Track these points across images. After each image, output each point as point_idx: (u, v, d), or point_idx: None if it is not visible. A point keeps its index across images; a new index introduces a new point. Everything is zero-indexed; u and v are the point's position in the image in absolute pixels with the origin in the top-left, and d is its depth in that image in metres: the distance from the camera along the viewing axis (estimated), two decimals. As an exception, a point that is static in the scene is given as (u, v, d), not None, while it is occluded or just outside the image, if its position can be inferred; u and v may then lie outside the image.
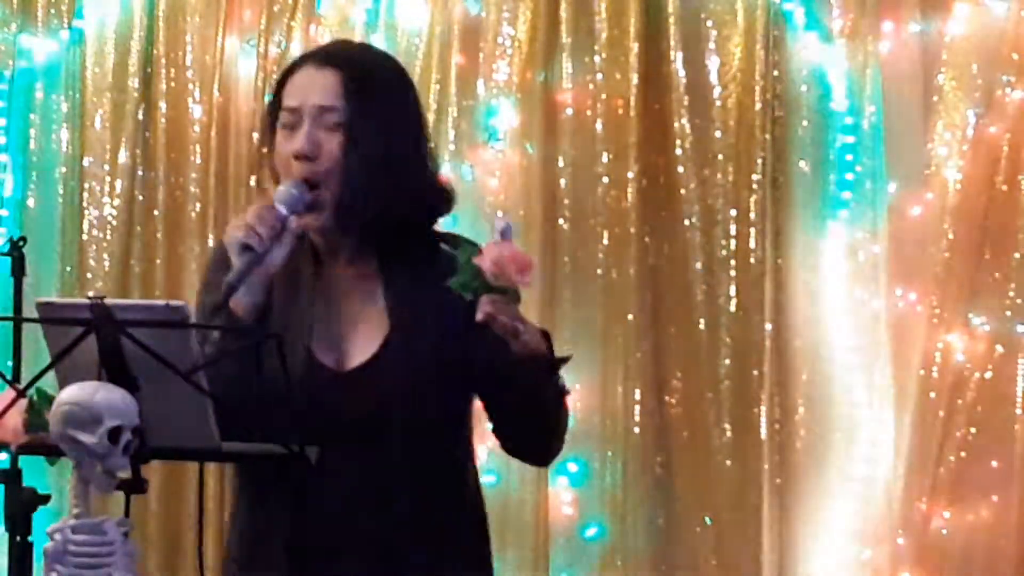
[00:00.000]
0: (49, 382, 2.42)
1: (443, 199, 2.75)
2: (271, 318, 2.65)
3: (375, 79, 2.69)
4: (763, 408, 4.54)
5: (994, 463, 4.40)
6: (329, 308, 2.70)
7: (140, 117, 4.99)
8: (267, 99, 2.85)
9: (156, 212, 4.97)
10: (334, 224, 2.66)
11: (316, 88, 2.66)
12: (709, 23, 4.64)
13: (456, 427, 2.73)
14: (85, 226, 4.99)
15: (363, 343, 2.67)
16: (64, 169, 5.02)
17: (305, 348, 2.63)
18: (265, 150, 2.75)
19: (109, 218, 4.99)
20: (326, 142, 2.64)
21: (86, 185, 5.00)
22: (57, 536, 2.32)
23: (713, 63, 4.64)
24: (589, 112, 4.69)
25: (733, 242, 4.59)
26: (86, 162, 5.01)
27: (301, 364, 2.60)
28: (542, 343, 2.55)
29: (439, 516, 2.69)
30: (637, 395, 4.61)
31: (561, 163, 4.72)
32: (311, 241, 2.70)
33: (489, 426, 2.74)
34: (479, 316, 2.45)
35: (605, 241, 4.66)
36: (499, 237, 2.49)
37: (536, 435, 2.72)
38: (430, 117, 4.73)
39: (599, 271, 4.66)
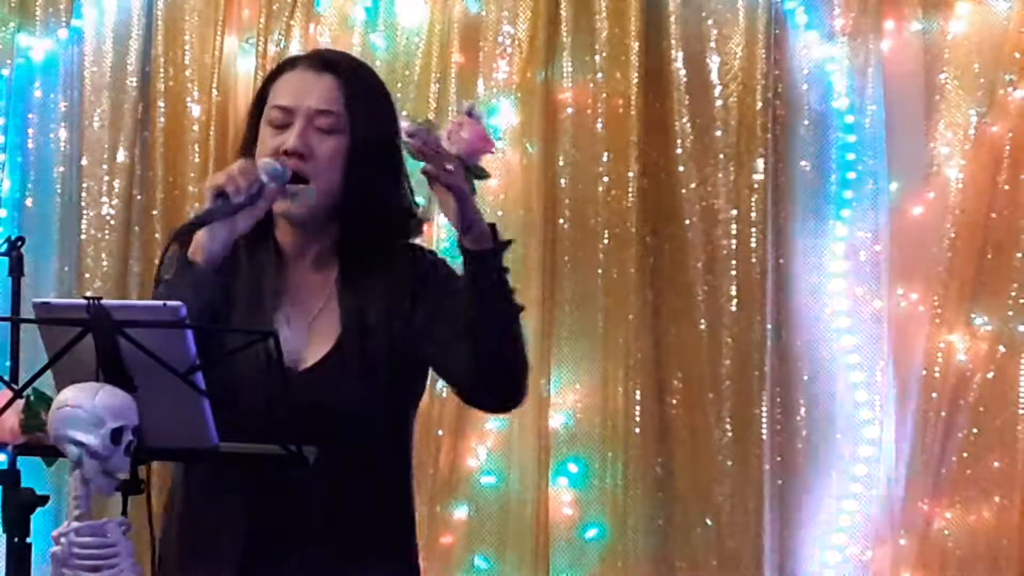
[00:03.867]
0: (47, 383, 2.42)
1: (413, 223, 2.81)
2: (233, 316, 2.69)
3: (371, 93, 2.75)
4: (764, 408, 4.54)
5: (996, 463, 4.40)
6: (290, 309, 2.74)
7: (139, 116, 4.97)
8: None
9: (154, 212, 4.95)
10: (316, 220, 2.71)
11: (314, 91, 2.70)
12: (710, 22, 4.64)
13: (401, 429, 2.77)
14: (83, 225, 4.97)
15: (317, 344, 2.72)
16: (62, 168, 5.00)
17: (264, 348, 2.64)
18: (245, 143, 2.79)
19: (107, 217, 4.97)
20: (317, 144, 2.68)
21: (84, 184, 4.99)
22: (63, 540, 2.32)
23: (714, 62, 4.64)
24: (589, 111, 4.68)
25: (734, 242, 4.58)
26: (84, 161, 4.99)
27: (261, 363, 2.61)
28: (481, 220, 2.60)
29: (385, 513, 2.74)
30: (637, 395, 4.60)
31: (561, 162, 4.71)
32: (277, 243, 2.75)
33: (450, 389, 2.79)
34: (423, 169, 2.53)
35: (605, 241, 4.65)
36: (466, 115, 2.55)
37: (496, 362, 2.63)
38: (430, 116, 4.73)
39: (599, 271, 4.65)
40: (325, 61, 2.74)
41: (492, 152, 2.61)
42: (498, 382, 2.66)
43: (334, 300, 2.75)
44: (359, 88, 2.72)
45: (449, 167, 2.53)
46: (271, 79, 2.76)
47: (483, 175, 2.60)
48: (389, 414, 2.72)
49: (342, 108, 2.68)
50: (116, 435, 2.29)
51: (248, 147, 2.75)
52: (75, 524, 2.32)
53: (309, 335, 2.73)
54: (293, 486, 2.64)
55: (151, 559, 2.60)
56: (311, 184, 2.68)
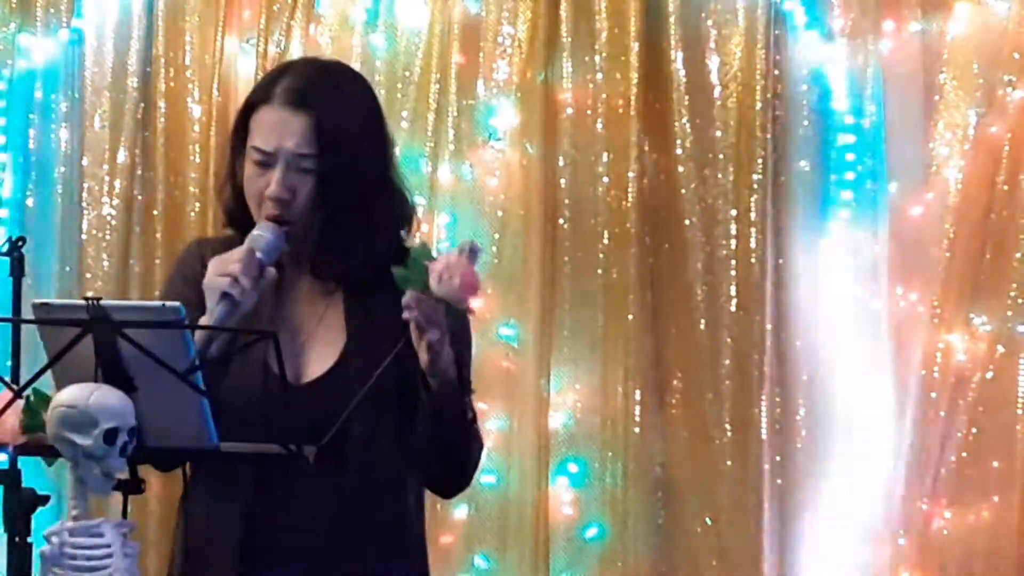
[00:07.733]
0: (48, 383, 2.42)
1: (408, 223, 2.81)
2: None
3: (347, 120, 2.73)
4: (763, 408, 4.54)
5: (995, 463, 4.40)
6: (290, 321, 2.75)
7: (139, 117, 4.97)
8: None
9: (155, 212, 4.95)
10: (307, 237, 2.72)
11: (289, 133, 2.69)
12: (709, 22, 4.64)
13: (407, 437, 2.74)
14: (84, 226, 4.97)
15: (320, 357, 2.72)
16: (63, 169, 5.00)
17: (262, 360, 2.64)
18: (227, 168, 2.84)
19: (108, 218, 4.97)
20: (300, 185, 2.69)
21: (85, 185, 4.99)
22: (54, 539, 2.32)
23: (713, 63, 4.64)
24: (589, 112, 4.68)
25: (733, 242, 4.58)
26: (85, 162, 4.99)
27: (258, 375, 2.61)
28: (452, 366, 2.59)
29: (385, 525, 2.74)
30: (637, 395, 4.60)
31: (561, 163, 4.71)
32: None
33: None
34: (404, 308, 2.51)
35: (605, 241, 4.65)
36: (463, 252, 2.50)
37: (440, 466, 2.74)
38: (430, 117, 4.74)
39: (599, 271, 4.65)
40: (301, 98, 2.71)
41: (478, 297, 2.57)
42: (440, 482, 2.80)
43: (336, 310, 2.75)
44: (334, 122, 2.69)
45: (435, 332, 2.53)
46: (250, 110, 2.75)
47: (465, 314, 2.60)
48: (394, 425, 2.71)
49: (318, 149, 2.68)
50: (110, 436, 2.29)
51: (231, 176, 2.78)
52: (68, 524, 2.33)
53: (311, 347, 2.73)
54: (294, 496, 2.66)
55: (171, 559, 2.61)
56: (295, 225, 2.69)
